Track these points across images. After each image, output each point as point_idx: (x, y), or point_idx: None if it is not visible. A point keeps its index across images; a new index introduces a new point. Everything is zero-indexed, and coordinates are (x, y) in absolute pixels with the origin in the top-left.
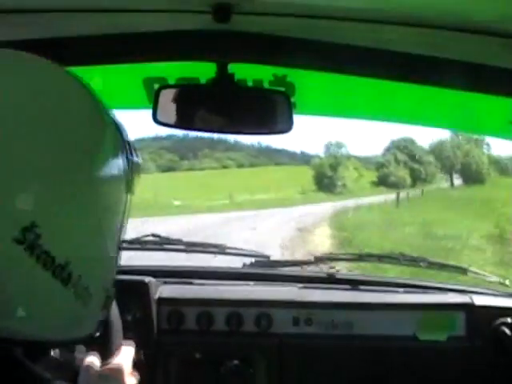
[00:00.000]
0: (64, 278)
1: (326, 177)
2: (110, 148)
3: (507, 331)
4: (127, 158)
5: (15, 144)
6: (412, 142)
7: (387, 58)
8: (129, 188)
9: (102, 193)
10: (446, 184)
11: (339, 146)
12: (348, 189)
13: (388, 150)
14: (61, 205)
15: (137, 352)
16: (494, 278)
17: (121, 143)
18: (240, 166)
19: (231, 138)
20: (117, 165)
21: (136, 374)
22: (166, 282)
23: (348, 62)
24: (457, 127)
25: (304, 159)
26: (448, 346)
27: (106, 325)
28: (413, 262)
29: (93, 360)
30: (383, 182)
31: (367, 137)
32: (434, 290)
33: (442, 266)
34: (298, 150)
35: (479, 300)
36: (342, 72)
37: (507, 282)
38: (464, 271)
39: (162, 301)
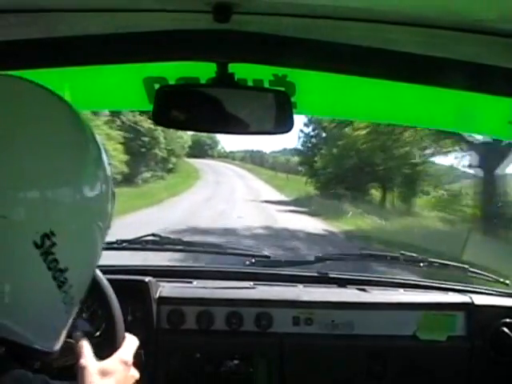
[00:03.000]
0: (60, 281)
1: None
2: (96, 166)
3: (507, 331)
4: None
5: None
6: None
7: (387, 58)
8: (112, 204)
9: (98, 209)
10: None
11: None
12: None
13: None
14: (70, 217)
15: (137, 351)
16: (494, 278)
17: (103, 158)
18: None
19: None
20: (105, 180)
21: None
22: (166, 282)
23: (348, 61)
24: (456, 127)
25: None
26: (448, 345)
27: (109, 320)
28: (413, 261)
29: (87, 358)
30: None
31: None
32: (434, 290)
33: (442, 266)
34: None
35: (479, 300)
36: (342, 72)
37: (507, 282)
38: (464, 271)
39: (162, 300)
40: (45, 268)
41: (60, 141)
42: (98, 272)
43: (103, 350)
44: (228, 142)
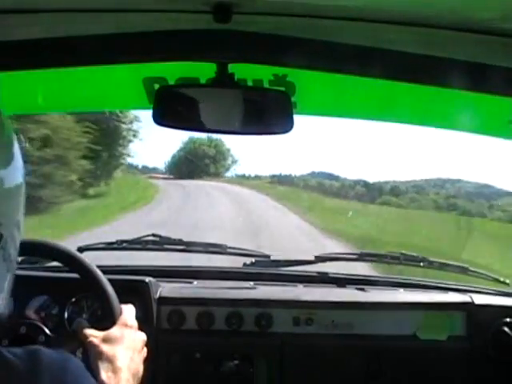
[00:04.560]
0: None
1: None
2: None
3: (508, 330)
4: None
5: None
6: None
7: (387, 57)
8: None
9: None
10: None
11: None
12: None
13: None
14: None
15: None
16: (495, 277)
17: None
18: None
19: None
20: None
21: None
22: (166, 282)
23: (348, 61)
24: (457, 127)
25: None
26: (448, 345)
27: (102, 294)
28: (413, 261)
29: (91, 335)
30: None
31: None
32: (434, 290)
33: (443, 266)
34: None
35: (479, 299)
36: (342, 72)
37: (508, 281)
38: (464, 270)
39: (162, 300)
40: None
41: None
42: (98, 270)
43: (104, 322)
44: (249, 163)
